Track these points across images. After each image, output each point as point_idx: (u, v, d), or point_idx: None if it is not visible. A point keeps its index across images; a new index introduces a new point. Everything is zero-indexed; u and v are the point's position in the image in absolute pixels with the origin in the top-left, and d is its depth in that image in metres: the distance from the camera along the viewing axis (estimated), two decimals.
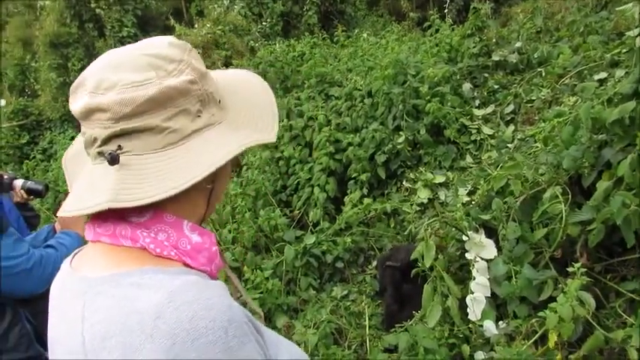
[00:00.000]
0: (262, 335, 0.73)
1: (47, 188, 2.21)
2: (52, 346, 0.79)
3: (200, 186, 0.75)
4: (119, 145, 0.70)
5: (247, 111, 0.82)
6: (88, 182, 0.73)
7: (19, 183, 2.15)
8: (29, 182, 2.15)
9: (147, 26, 11.09)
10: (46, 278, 1.70)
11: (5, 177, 2.10)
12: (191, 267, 0.74)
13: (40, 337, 1.83)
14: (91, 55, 10.42)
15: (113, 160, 0.68)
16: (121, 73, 0.70)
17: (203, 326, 0.61)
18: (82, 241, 1.92)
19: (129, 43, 0.82)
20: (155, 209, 0.73)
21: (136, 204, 0.67)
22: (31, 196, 2.18)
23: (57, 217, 2.26)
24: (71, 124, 10.24)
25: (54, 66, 10.83)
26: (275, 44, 6.57)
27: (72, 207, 0.72)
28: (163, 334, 0.60)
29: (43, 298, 1.49)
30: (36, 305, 1.77)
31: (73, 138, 8.86)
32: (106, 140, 0.70)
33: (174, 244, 0.73)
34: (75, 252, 0.83)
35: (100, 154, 0.71)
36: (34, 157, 8.74)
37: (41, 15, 12.31)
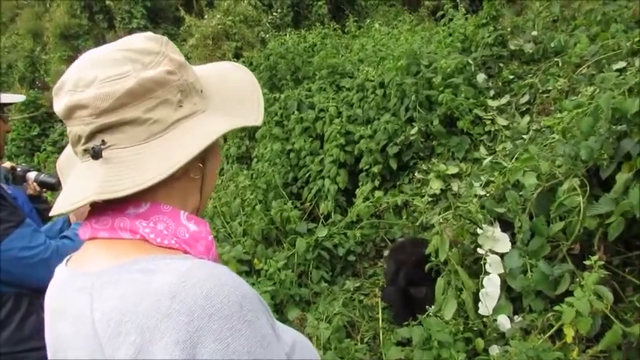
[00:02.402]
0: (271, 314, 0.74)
1: (60, 181, 2.20)
2: (56, 349, 0.76)
3: (189, 176, 0.77)
4: (103, 140, 0.70)
5: (231, 99, 0.82)
6: (75, 180, 0.74)
7: (32, 175, 2.15)
8: (42, 175, 2.14)
9: (157, 18, 11.08)
10: None
11: (18, 169, 2.11)
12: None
13: None
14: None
15: (96, 154, 0.69)
16: (98, 70, 0.70)
17: (218, 302, 0.62)
18: None
19: None
20: (151, 201, 0.73)
21: (121, 195, 0.68)
22: (44, 189, 2.18)
23: None
24: None
25: (64, 58, 10.85)
26: (286, 35, 6.51)
27: (60, 204, 0.74)
28: (180, 313, 0.61)
29: None
30: None
31: None
32: (90, 136, 0.71)
33: (174, 232, 0.73)
34: (69, 256, 0.82)
35: (86, 151, 0.72)
36: (44, 150, 8.75)
37: (51, 7, 12.33)
